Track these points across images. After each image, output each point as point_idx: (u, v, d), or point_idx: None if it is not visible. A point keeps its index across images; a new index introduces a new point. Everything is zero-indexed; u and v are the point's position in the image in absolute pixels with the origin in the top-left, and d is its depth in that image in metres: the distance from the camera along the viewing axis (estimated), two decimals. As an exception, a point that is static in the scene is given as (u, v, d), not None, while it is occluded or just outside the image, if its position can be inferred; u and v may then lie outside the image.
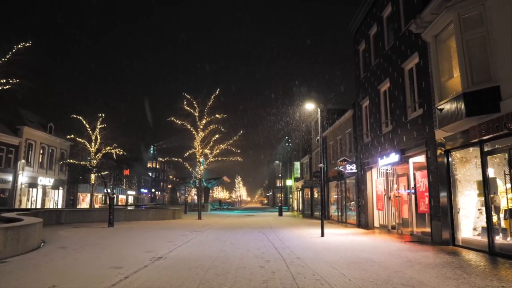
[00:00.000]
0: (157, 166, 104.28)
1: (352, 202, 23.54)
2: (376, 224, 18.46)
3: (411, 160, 14.44)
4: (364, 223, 19.10)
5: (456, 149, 10.67)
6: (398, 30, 14.88)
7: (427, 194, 12.57)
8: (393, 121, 15.43)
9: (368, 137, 19.08)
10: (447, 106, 10.01)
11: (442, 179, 11.25)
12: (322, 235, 14.24)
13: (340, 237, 14.34)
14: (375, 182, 18.56)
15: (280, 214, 34.39)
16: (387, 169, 17.68)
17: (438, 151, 11.49)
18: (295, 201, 50.24)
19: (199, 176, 28.66)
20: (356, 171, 19.79)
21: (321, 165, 14.93)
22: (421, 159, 14.31)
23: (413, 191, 14.19)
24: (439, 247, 10.48)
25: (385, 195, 17.28)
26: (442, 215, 11.16)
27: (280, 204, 37.18)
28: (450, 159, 10.98)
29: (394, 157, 14.98)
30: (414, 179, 14.11)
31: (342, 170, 20.19)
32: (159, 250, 10.56)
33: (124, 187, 77.74)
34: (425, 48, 12.45)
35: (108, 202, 19.81)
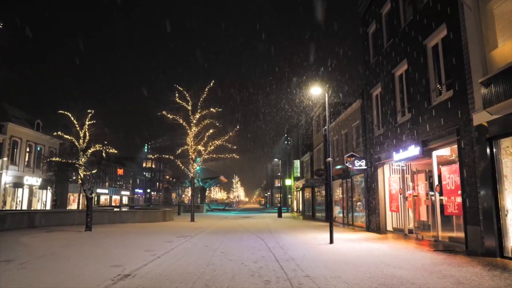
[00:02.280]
0: (153, 166, 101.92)
1: (359, 203, 21.42)
2: (389, 228, 16.31)
3: (435, 153, 12.30)
4: (375, 226, 16.94)
5: (505, 136, 8.50)
6: (420, 1, 12.72)
7: (459, 192, 10.41)
8: (412, 108, 13.28)
9: (379, 129, 16.92)
10: (496, 81, 7.86)
11: (483, 174, 9.09)
12: (331, 241, 12.06)
13: (352, 243, 12.16)
14: (388, 180, 16.42)
15: (280, 216, 32.24)
16: (402, 166, 15.60)
17: (478, 140, 9.32)
18: (295, 202, 48.07)
19: (191, 174, 26.44)
20: (365, 167, 17.62)
21: (330, 159, 12.75)
22: (446, 151, 12.21)
23: (438, 189, 12.03)
24: (484, 260, 8.31)
25: (400, 194, 15.13)
26: (483, 218, 8.99)
27: (279, 204, 35.00)
28: (495, 150, 8.81)
29: (413, 150, 12.82)
30: (439, 175, 11.96)
31: (350, 166, 18.03)
32: (130, 263, 8.37)
33: (117, 187, 75.44)
34: (456, 17, 10.30)
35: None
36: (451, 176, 11.10)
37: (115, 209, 35.56)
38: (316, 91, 13.50)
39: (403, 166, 15.83)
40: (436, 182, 12.21)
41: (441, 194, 11.91)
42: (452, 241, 11.40)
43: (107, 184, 71.62)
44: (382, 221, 16.48)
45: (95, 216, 22.70)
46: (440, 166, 11.99)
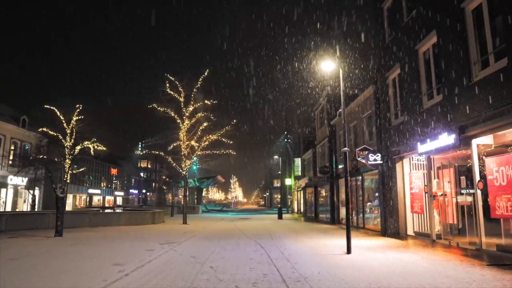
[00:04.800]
0: (149, 166, 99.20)
1: (369, 203, 19.15)
2: (410, 232, 13.99)
3: (475, 142, 9.96)
4: (392, 230, 14.64)
5: None
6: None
7: (517, 189, 8.11)
8: (445, 88, 10.96)
9: (398, 118, 14.64)
10: None
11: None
12: (349, 251, 9.73)
13: (374, 253, 9.82)
14: (409, 176, 14.10)
15: (280, 217, 29.90)
16: (423, 160, 13.39)
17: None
18: (295, 202, 45.75)
19: (184, 172, 24.09)
20: (381, 162, 15.30)
21: (346, 148, 10.45)
22: (489, 140, 9.91)
23: (480, 186, 9.71)
24: None
25: (425, 193, 12.81)
26: None
27: (279, 205, 32.68)
28: None
29: (446, 139, 10.49)
30: (482, 169, 9.66)
31: (363, 161, 15.69)
32: (81, 286, 6.03)
33: (111, 187, 72.99)
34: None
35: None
36: (501, 169, 8.78)
37: (104, 210, 33.19)
38: (328, 66, 11.14)
39: (424, 161, 13.61)
40: (477, 177, 9.89)
41: (484, 192, 9.61)
42: (501, 250, 9.08)
43: (103, 184, 69.25)
44: (402, 224, 14.16)
45: (74, 218, 20.40)
46: (484, 158, 9.68)
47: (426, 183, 12.81)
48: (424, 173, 13.11)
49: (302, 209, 38.91)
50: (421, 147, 12.07)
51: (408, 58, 13.37)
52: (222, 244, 12.26)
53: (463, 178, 11.08)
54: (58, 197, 14.21)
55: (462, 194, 11.41)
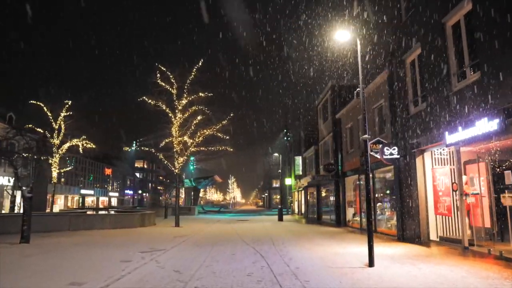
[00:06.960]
0: (145, 166, 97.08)
1: (379, 204, 17.27)
2: (433, 237, 12.10)
3: (525, 128, 8.07)
4: (411, 234, 12.73)
5: None
6: None
7: None
8: (484, 64, 9.04)
9: (418, 105, 12.74)
10: None
11: None
12: (371, 263, 7.80)
13: (404, 267, 7.88)
14: (432, 172, 12.21)
15: (280, 219, 27.95)
16: (446, 154, 11.58)
17: None
18: (296, 203, 43.81)
19: (176, 170, 22.12)
20: (398, 156, 13.40)
21: (366, 136, 8.56)
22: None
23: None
24: None
25: (454, 191, 10.90)
26: None
27: (280, 206, 30.75)
28: None
29: (485, 125, 8.59)
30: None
31: (378, 156, 13.77)
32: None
33: (105, 187, 70.96)
34: None
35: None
36: None
37: (98, 212, 31.20)
38: (342, 37, 9.22)
39: (446, 155, 11.78)
40: (528, 171, 8.00)
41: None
42: None
43: (97, 185, 67.24)
44: (423, 228, 12.26)
45: (52, 221, 18.38)
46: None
47: (455, 180, 10.89)
48: (451, 168, 11.21)
49: (303, 210, 36.98)
50: (450, 137, 10.16)
51: (432, 35, 11.46)
52: (215, 253, 10.32)
53: (508, 173, 9.14)
54: (25, 197, 12.22)
55: (503, 192, 9.55)
